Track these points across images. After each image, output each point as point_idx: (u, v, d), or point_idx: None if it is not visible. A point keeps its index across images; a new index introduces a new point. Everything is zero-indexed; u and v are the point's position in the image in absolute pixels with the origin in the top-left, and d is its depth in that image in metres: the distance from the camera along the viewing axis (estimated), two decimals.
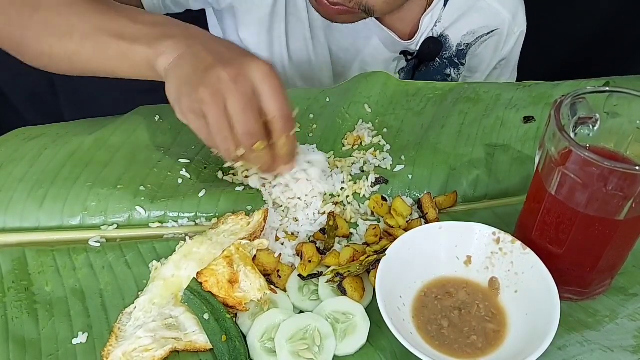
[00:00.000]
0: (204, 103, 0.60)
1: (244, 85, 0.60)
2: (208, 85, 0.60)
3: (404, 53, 1.00)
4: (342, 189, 0.72)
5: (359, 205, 0.71)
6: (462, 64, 1.04)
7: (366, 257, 0.61)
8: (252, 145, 0.61)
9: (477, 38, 1.02)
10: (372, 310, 0.60)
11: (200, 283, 0.58)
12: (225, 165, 0.67)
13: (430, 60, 1.02)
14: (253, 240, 0.63)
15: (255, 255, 0.62)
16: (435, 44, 1.00)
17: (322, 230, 0.67)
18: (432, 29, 0.98)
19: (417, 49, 1.00)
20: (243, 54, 0.64)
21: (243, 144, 0.61)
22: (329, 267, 0.63)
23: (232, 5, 0.94)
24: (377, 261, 0.61)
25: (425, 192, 0.71)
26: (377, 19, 0.93)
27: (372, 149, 0.77)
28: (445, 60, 1.02)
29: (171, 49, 0.63)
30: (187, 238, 0.65)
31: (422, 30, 0.98)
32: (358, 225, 0.69)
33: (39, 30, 0.70)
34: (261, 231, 0.65)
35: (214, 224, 0.68)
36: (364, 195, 0.72)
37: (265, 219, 0.65)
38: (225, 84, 0.59)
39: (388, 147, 0.78)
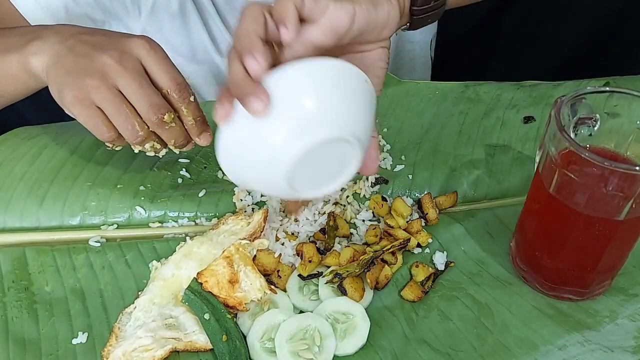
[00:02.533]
0: (93, 89, 0.58)
1: (131, 63, 0.59)
2: (93, 72, 0.58)
3: None
4: (342, 189, 0.72)
5: (359, 205, 0.71)
6: None
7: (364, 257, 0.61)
8: (161, 118, 0.59)
9: None
10: (372, 310, 0.60)
11: (201, 283, 0.58)
12: (135, 150, 0.62)
13: None
14: (253, 241, 0.63)
15: (255, 255, 0.62)
16: None
17: (322, 230, 0.67)
18: None
19: None
20: (119, 35, 0.62)
21: (150, 120, 0.59)
22: (329, 267, 0.63)
23: (144, 30, 0.88)
24: (373, 261, 0.61)
25: (426, 192, 0.71)
26: None
27: None
28: None
29: (42, 48, 0.62)
30: (187, 238, 0.65)
31: None
32: (358, 226, 0.69)
33: None
34: (261, 231, 0.65)
35: (215, 224, 0.68)
36: (364, 196, 0.72)
37: (265, 219, 0.65)
38: (111, 67, 0.58)
39: (388, 147, 0.78)
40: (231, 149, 0.49)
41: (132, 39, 0.61)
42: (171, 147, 0.64)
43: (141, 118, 0.59)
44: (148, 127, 0.60)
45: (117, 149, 0.64)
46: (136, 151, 0.63)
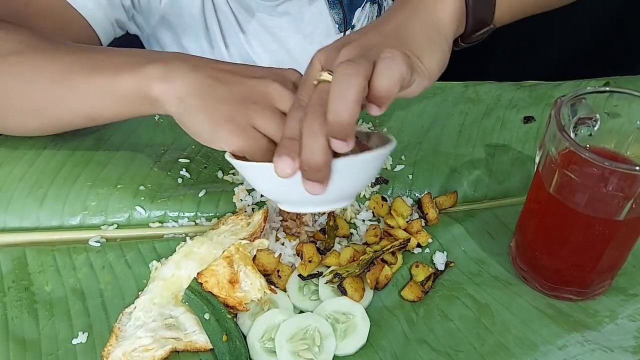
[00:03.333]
0: (258, 113, 0.53)
1: (292, 87, 0.56)
2: (257, 98, 0.54)
3: None
4: None
5: (359, 205, 0.71)
6: None
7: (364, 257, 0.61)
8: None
9: None
10: (372, 310, 0.60)
11: (201, 283, 0.58)
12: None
13: None
14: (253, 241, 0.63)
15: (255, 255, 0.62)
16: None
17: (322, 230, 0.67)
18: None
19: None
20: (264, 67, 0.59)
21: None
22: (329, 267, 0.63)
23: (163, 16, 0.89)
24: (373, 261, 0.61)
25: (426, 192, 0.71)
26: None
27: None
28: None
29: (169, 74, 0.56)
30: (187, 238, 0.65)
31: None
32: (358, 226, 0.69)
33: None
34: (261, 231, 0.65)
35: (215, 224, 0.68)
36: (364, 196, 0.72)
37: (265, 219, 0.65)
38: (277, 92, 0.55)
39: None
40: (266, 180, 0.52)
41: (287, 70, 0.58)
42: None
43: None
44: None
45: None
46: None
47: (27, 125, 0.68)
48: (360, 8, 0.97)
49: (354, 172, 0.51)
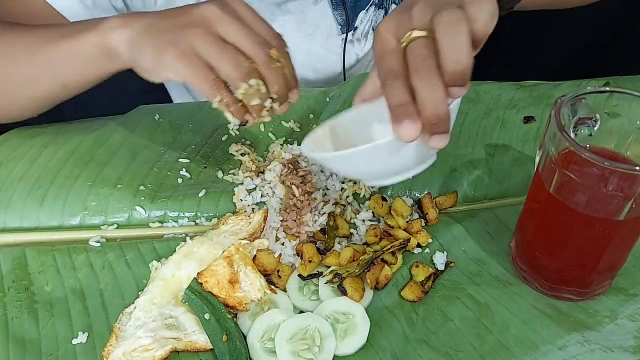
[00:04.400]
0: (197, 37, 0.56)
1: (232, 11, 0.58)
2: (195, 23, 0.57)
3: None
4: (342, 189, 0.72)
5: (359, 206, 0.71)
6: None
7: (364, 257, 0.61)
8: (268, 52, 0.57)
9: None
10: (372, 310, 0.60)
11: (201, 283, 0.58)
12: (238, 93, 0.57)
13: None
14: (253, 241, 0.63)
15: (255, 255, 0.62)
16: None
17: (322, 230, 0.67)
18: None
19: None
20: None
21: (259, 57, 0.57)
22: (329, 267, 0.63)
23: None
24: (373, 261, 0.61)
25: (426, 192, 0.71)
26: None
27: None
28: None
29: (122, 22, 0.60)
30: (187, 238, 0.65)
31: None
32: (358, 226, 0.69)
33: None
34: (261, 231, 0.65)
35: (215, 224, 0.68)
36: (364, 196, 0.72)
37: (265, 219, 0.65)
38: (214, 14, 0.57)
39: None
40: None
41: None
42: (274, 97, 0.59)
43: (245, 56, 0.57)
44: (252, 62, 0.57)
45: (222, 107, 0.58)
46: (239, 95, 0.57)
47: (15, 103, 0.71)
48: (364, 11, 0.98)
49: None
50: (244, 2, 0.61)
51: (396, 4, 1.02)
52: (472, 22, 0.49)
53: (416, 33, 0.50)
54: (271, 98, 0.59)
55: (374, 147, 0.51)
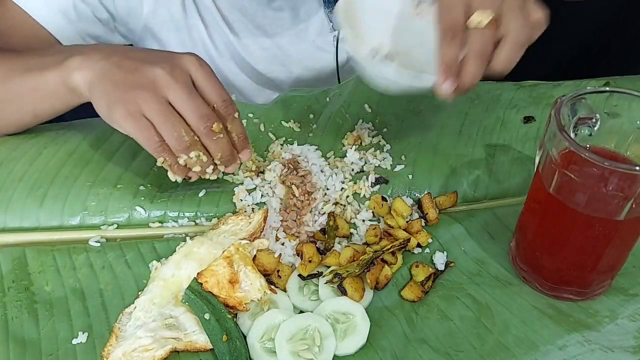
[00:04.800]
0: (144, 101, 0.59)
1: (182, 77, 0.60)
2: (145, 85, 0.59)
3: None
4: (342, 189, 0.72)
5: (359, 205, 0.71)
6: None
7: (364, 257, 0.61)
8: (210, 127, 0.60)
9: None
10: (372, 310, 0.60)
11: (201, 283, 0.58)
12: (180, 160, 0.61)
13: None
14: (253, 241, 0.63)
15: (255, 255, 0.62)
16: None
17: (322, 230, 0.67)
18: None
19: None
20: (167, 53, 0.64)
21: (199, 130, 0.60)
22: (329, 267, 0.63)
23: (146, 25, 0.90)
24: (373, 261, 0.61)
25: (426, 192, 0.71)
26: None
27: (372, 149, 0.77)
28: None
29: (85, 63, 0.63)
30: (187, 238, 0.65)
31: None
32: (358, 226, 0.69)
33: None
34: (261, 231, 0.65)
35: (215, 224, 0.68)
36: (364, 195, 0.72)
37: (265, 219, 0.65)
38: (162, 79, 0.59)
39: (388, 147, 0.78)
40: None
41: (182, 55, 0.63)
42: (217, 163, 0.64)
43: (189, 127, 0.61)
44: (194, 134, 0.61)
45: (166, 166, 0.63)
46: (181, 162, 0.62)
47: None
48: None
49: None
50: (198, 62, 0.63)
51: None
52: (531, 30, 0.58)
53: (485, 18, 0.56)
54: (214, 163, 0.64)
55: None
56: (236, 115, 0.64)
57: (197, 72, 0.62)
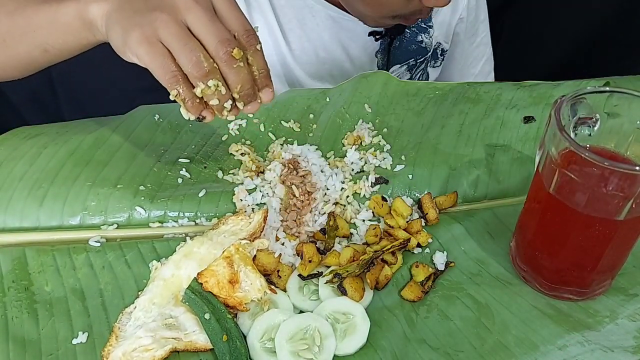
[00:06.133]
0: (162, 23, 0.55)
1: (203, 1, 0.57)
2: (163, 7, 0.56)
3: (373, 34, 0.99)
4: (342, 189, 0.72)
5: (359, 205, 0.71)
6: (430, 27, 1.04)
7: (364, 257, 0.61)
8: (230, 52, 0.56)
9: None
10: (372, 310, 0.60)
11: (201, 283, 0.58)
12: (197, 90, 0.57)
13: (399, 34, 1.02)
14: (253, 241, 0.63)
15: (255, 256, 0.62)
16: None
17: (322, 230, 0.67)
18: None
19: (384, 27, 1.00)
20: None
21: (219, 55, 0.56)
22: (329, 267, 0.63)
23: None
24: (373, 261, 0.61)
25: (426, 192, 0.71)
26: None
27: (372, 149, 0.77)
28: (414, 29, 1.03)
29: None
30: (187, 238, 0.65)
31: None
32: (358, 226, 0.69)
33: None
34: (261, 231, 0.65)
35: (215, 224, 0.68)
36: (364, 195, 0.72)
37: (265, 219, 0.65)
38: (182, 2, 0.56)
39: (388, 147, 0.78)
40: None
41: None
42: (236, 98, 0.59)
43: (207, 53, 0.56)
44: (213, 61, 0.56)
45: (179, 101, 0.58)
46: (198, 92, 0.57)
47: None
48: (399, 65, 1.05)
49: None
50: None
51: (432, 68, 1.10)
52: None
53: None
54: (234, 98, 0.58)
55: None
56: (258, 47, 0.59)
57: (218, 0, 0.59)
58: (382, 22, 0.90)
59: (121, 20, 0.58)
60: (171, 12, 0.56)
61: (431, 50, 1.07)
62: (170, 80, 0.56)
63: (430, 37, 1.05)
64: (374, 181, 0.73)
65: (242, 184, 0.72)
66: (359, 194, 0.72)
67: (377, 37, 1.00)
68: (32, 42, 0.66)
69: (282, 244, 0.66)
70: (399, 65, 1.06)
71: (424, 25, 1.03)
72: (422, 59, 1.07)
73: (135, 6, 0.58)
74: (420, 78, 1.10)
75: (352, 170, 0.75)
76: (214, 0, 0.59)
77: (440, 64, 1.12)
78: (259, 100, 0.61)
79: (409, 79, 1.08)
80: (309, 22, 0.95)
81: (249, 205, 0.70)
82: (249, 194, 0.71)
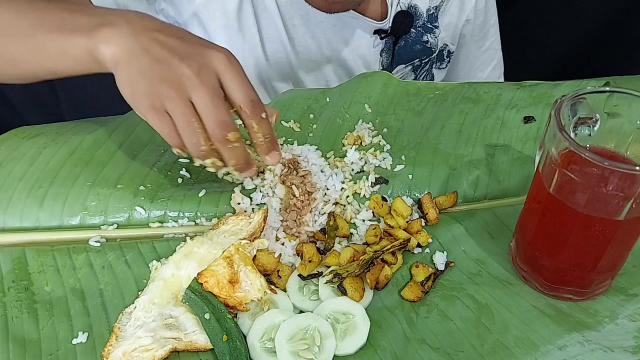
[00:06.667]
0: (168, 99, 0.59)
1: (208, 77, 0.60)
2: (170, 81, 0.59)
3: (378, 32, 1.00)
4: (342, 189, 0.72)
5: (359, 205, 0.71)
6: (436, 27, 1.04)
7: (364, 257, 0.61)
8: (225, 135, 0.61)
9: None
10: (372, 310, 0.60)
11: (201, 283, 0.58)
12: (196, 164, 0.64)
13: (404, 33, 1.02)
14: (253, 240, 0.63)
15: (255, 256, 0.62)
16: (405, 17, 1.00)
17: (322, 230, 0.67)
18: (399, 3, 0.99)
19: (390, 25, 1.00)
20: (198, 43, 0.63)
21: (216, 137, 0.61)
22: (329, 267, 0.63)
23: (196, 13, 0.92)
24: (373, 261, 0.61)
25: (426, 192, 0.71)
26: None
27: (372, 149, 0.77)
28: (419, 29, 1.03)
29: (114, 37, 0.61)
30: (187, 238, 0.65)
31: (392, 8, 0.99)
32: (358, 226, 0.69)
33: None
34: (261, 231, 0.65)
35: (215, 224, 0.68)
36: (364, 195, 0.72)
37: (265, 219, 0.65)
38: (189, 79, 0.59)
39: (388, 147, 0.78)
40: None
41: (212, 50, 0.61)
42: (231, 170, 0.65)
43: (207, 133, 0.61)
44: (212, 143, 0.62)
45: (183, 155, 0.65)
46: (197, 164, 0.64)
47: (3, 71, 0.71)
48: (404, 65, 1.06)
49: None
50: (228, 59, 0.62)
51: (438, 69, 1.11)
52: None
53: None
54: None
55: None
56: (263, 115, 0.63)
57: (225, 71, 0.61)
58: None
59: (129, 83, 0.61)
60: (178, 89, 0.59)
61: (437, 51, 1.07)
62: (175, 145, 0.62)
63: (436, 37, 1.05)
64: (374, 181, 0.73)
65: (242, 183, 0.72)
66: (359, 194, 0.72)
67: (382, 35, 1.00)
68: (41, 66, 0.68)
69: (282, 244, 0.66)
70: (403, 66, 1.06)
71: (429, 25, 1.03)
72: (427, 60, 1.07)
73: (142, 67, 0.60)
74: (425, 79, 1.10)
75: (352, 170, 0.75)
76: (220, 73, 0.61)
77: (446, 65, 1.12)
78: (255, 168, 0.67)
79: (414, 79, 1.08)
80: (312, 19, 0.95)
81: (245, 211, 0.70)
82: (249, 198, 0.71)
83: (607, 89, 0.57)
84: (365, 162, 0.76)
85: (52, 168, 0.72)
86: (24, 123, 0.81)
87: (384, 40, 1.01)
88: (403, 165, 0.75)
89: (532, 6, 1.20)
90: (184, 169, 0.74)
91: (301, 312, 0.60)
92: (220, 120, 0.60)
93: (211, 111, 0.60)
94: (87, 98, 1.22)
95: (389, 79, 0.86)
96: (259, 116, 0.63)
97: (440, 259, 0.65)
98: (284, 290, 0.62)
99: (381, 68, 1.03)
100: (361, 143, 0.78)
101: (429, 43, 1.05)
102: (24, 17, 0.66)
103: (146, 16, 0.64)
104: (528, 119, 0.81)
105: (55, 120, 0.81)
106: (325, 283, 0.61)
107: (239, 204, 0.70)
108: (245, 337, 0.57)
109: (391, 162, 0.76)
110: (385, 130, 0.80)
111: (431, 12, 1.03)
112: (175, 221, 0.69)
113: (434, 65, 1.09)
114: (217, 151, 0.63)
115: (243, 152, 0.63)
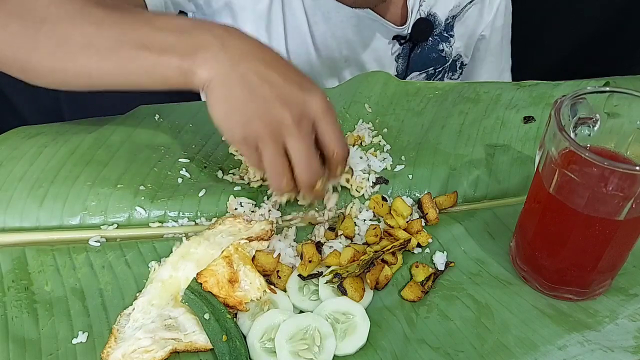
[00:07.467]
0: (262, 139, 0.59)
1: (306, 128, 0.60)
2: (267, 123, 0.58)
3: (397, 38, 1.00)
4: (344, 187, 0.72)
5: (359, 206, 0.71)
6: (452, 36, 1.05)
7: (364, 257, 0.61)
8: (314, 186, 0.62)
9: (461, 9, 1.03)
10: (372, 310, 0.60)
11: (200, 283, 0.58)
12: (272, 197, 0.69)
13: (423, 40, 1.02)
14: (252, 241, 0.63)
15: (254, 256, 0.62)
16: (425, 24, 1.01)
17: (331, 229, 0.67)
18: (419, 10, 1.00)
19: (409, 32, 1.01)
20: (298, 83, 0.60)
21: (303, 184, 0.62)
22: (329, 267, 0.63)
23: (228, 4, 0.93)
24: (373, 261, 0.61)
25: (426, 192, 0.71)
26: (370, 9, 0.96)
27: (372, 149, 0.77)
28: (436, 37, 1.03)
29: (210, 62, 0.59)
30: (183, 238, 0.65)
31: (412, 14, 0.99)
32: (358, 226, 0.69)
33: (50, 46, 0.63)
34: (268, 238, 0.64)
35: (211, 224, 0.68)
36: (363, 195, 0.72)
37: (271, 231, 0.65)
38: (287, 127, 0.59)
39: (388, 147, 0.78)
40: None
41: (312, 95, 0.60)
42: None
43: (292, 174, 0.62)
44: (295, 185, 0.63)
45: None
46: (274, 196, 0.69)
47: (77, 84, 0.67)
48: (418, 73, 1.06)
49: None
50: (326, 106, 0.61)
51: (450, 80, 1.11)
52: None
53: None
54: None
55: None
56: (347, 161, 0.66)
57: (322, 119, 0.61)
58: None
59: (224, 110, 0.60)
60: (274, 133, 0.59)
61: (450, 60, 1.07)
62: (259, 175, 0.68)
63: (451, 46, 1.05)
64: (374, 181, 0.73)
65: (240, 185, 0.72)
66: (359, 194, 0.72)
67: (402, 41, 1.00)
68: (119, 81, 0.64)
69: (285, 236, 0.66)
70: (417, 73, 1.07)
71: (445, 34, 1.04)
72: (440, 69, 1.07)
73: (239, 99, 0.59)
74: None
75: (352, 170, 0.75)
76: (317, 120, 0.61)
77: (458, 77, 1.12)
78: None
79: None
80: (333, 17, 0.96)
81: (247, 213, 0.69)
82: (252, 203, 0.70)
83: (607, 89, 0.57)
84: (367, 162, 0.75)
85: (52, 168, 0.72)
86: (24, 123, 0.81)
87: (402, 45, 1.01)
88: (403, 165, 0.75)
89: (532, 6, 1.20)
90: (184, 169, 0.74)
91: (301, 312, 0.60)
92: (312, 173, 0.61)
93: (305, 163, 0.60)
94: (87, 98, 1.21)
95: (389, 79, 0.86)
96: (343, 168, 0.65)
97: (440, 259, 0.65)
98: (284, 290, 0.62)
99: (396, 74, 1.04)
100: (361, 143, 0.78)
101: (444, 52, 1.05)
102: (103, 31, 0.62)
103: (237, 35, 0.61)
104: (528, 119, 0.81)
105: (55, 120, 0.81)
106: (326, 283, 0.61)
107: (236, 209, 0.70)
108: (245, 337, 0.57)
109: (391, 162, 0.76)
110: (385, 130, 0.80)
111: (449, 21, 1.03)
112: (175, 221, 0.69)
113: (446, 75, 1.10)
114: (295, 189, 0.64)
115: (321, 195, 0.66)
